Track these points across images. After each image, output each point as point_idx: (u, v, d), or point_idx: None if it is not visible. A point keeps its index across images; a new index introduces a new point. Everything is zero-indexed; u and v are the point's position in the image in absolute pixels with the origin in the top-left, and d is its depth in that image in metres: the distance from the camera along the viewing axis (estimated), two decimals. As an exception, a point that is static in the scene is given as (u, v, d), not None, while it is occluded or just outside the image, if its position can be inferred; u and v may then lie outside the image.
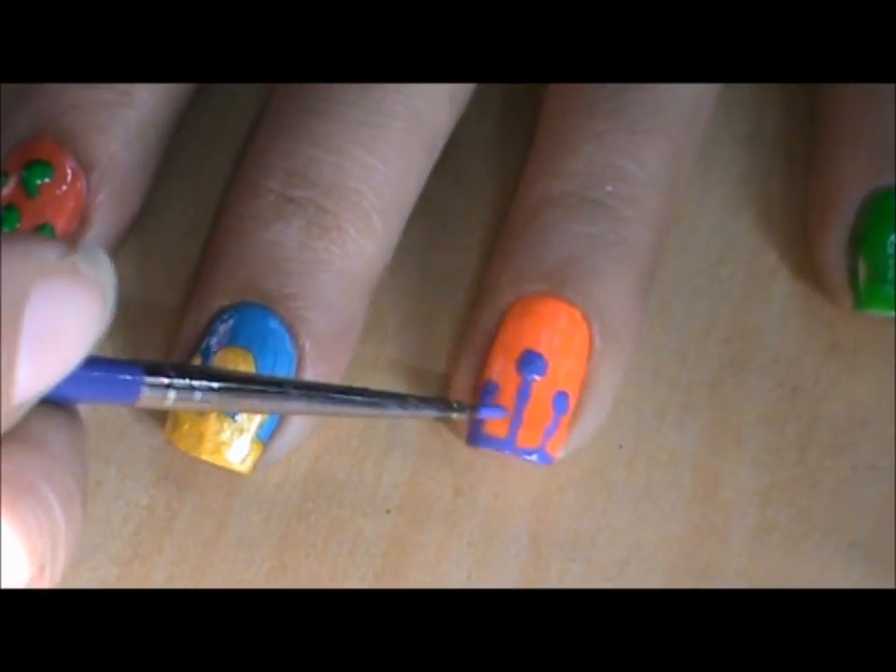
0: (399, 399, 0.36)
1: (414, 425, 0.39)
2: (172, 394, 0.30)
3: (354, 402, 0.35)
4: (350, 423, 0.39)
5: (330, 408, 0.35)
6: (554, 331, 0.37)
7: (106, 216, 0.39)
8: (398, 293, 0.40)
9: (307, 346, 0.37)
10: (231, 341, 0.36)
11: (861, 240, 0.39)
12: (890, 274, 0.39)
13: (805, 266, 0.41)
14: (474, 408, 0.37)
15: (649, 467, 0.39)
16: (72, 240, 0.38)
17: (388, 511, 0.38)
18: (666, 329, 0.40)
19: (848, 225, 0.39)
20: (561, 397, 0.37)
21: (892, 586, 0.37)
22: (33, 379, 0.27)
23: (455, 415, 0.37)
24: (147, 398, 0.30)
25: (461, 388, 0.38)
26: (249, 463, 0.36)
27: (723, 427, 0.39)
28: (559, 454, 0.37)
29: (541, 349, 0.37)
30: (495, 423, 0.37)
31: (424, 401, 0.37)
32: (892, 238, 0.39)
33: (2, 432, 0.27)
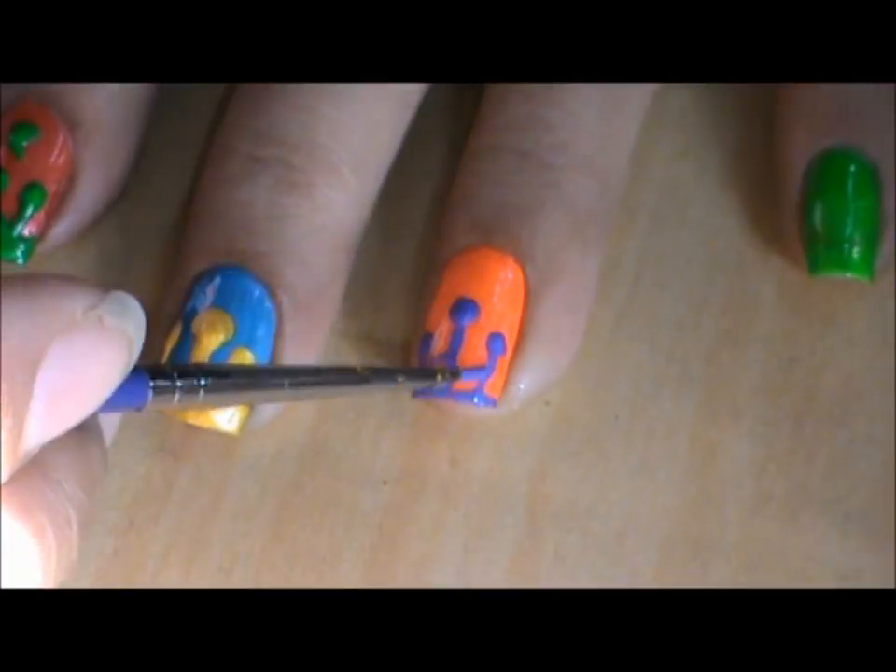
0: (389, 374, 0.37)
1: (411, 396, 0.39)
2: (177, 395, 0.30)
3: (347, 383, 0.35)
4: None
5: (326, 390, 0.36)
6: (486, 278, 0.37)
7: (95, 172, 0.39)
8: (392, 266, 0.40)
9: (284, 301, 0.37)
10: (209, 303, 0.37)
11: (809, 206, 0.39)
12: (838, 235, 0.39)
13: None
14: (456, 373, 0.37)
15: (645, 438, 0.39)
16: (62, 198, 0.38)
17: (385, 483, 0.38)
18: (662, 301, 0.40)
19: (797, 192, 0.40)
20: (496, 338, 0.37)
21: (889, 557, 0.37)
22: (44, 430, 0.26)
23: (439, 382, 0.37)
24: (154, 402, 0.29)
25: (412, 347, 0.39)
26: (236, 423, 0.36)
27: (720, 399, 0.39)
28: (504, 396, 0.37)
29: (473, 294, 0.37)
30: None
31: (412, 374, 0.37)
32: (838, 200, 0.39)
33: (7, 476, 0.26)
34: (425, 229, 0.41)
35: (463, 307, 0.37)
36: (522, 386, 0.38)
